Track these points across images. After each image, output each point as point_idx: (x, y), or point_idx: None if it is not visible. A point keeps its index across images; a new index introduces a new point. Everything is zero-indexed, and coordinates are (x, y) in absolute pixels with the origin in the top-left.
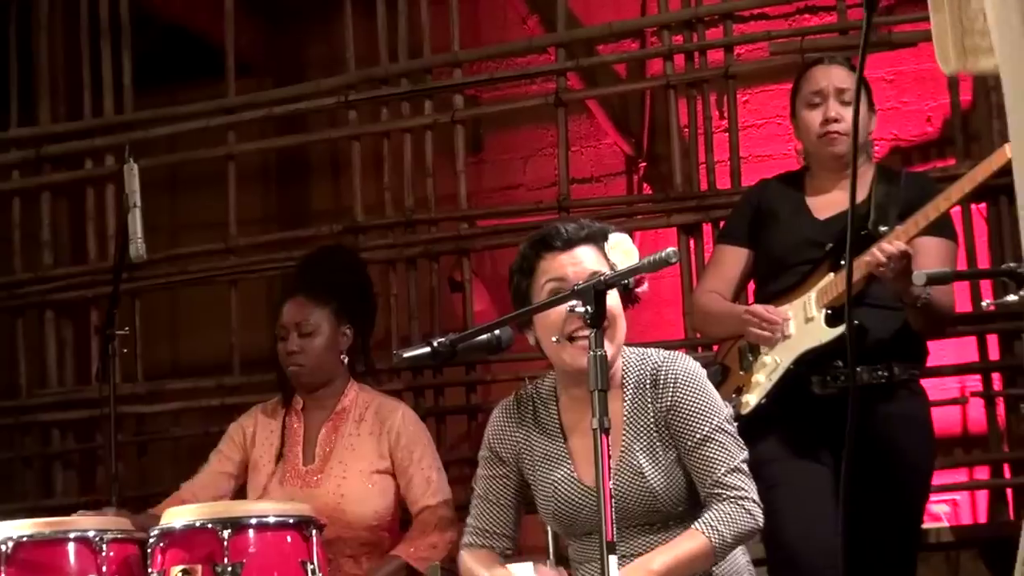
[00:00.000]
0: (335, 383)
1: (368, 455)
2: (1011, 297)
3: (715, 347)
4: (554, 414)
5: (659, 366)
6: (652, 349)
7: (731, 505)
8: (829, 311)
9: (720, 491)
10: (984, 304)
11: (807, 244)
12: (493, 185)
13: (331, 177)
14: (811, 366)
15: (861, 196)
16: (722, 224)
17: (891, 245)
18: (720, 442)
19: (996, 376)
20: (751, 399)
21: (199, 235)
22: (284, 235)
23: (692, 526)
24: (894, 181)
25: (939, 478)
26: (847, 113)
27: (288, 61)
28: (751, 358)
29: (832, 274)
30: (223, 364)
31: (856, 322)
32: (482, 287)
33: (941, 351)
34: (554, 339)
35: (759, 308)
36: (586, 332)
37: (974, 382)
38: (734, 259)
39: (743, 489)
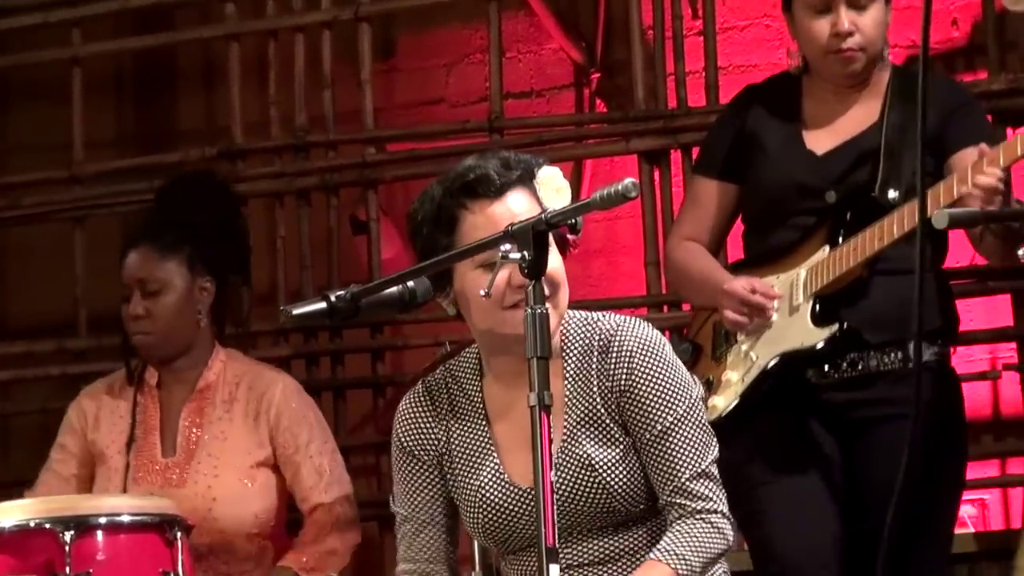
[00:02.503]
0: (195, 351)
1: (243, 444)
2: None
3: (685, 305)
4: (477, 398)
5: (610, 336)
6: (601, 313)
7: (697, 522)
8: (818, 304)
9: (683, 501)
10: (1021, 253)
11: (800, 190)
12: (407, 99)
13: (203, 88)
14: (800, 358)
15: (871, 119)
16: (697, 150)
17: (987, 176)
18: (685, 437)
19: None
20: (719, 402)
21: (35, 159)
22: (143, 160)
23: (651, 555)
24: (913, 95)
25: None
26: (865, 20)
27: None
28: (725, 344)
29: (827, 247)
30: (65, 323)
31: (846, 324)
32: (392, 228)
33: (968, 313)
34: (482, 293)
35: (740, 286)
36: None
37: (1008, 352)
38: (714, 196)
39: (711, 500)
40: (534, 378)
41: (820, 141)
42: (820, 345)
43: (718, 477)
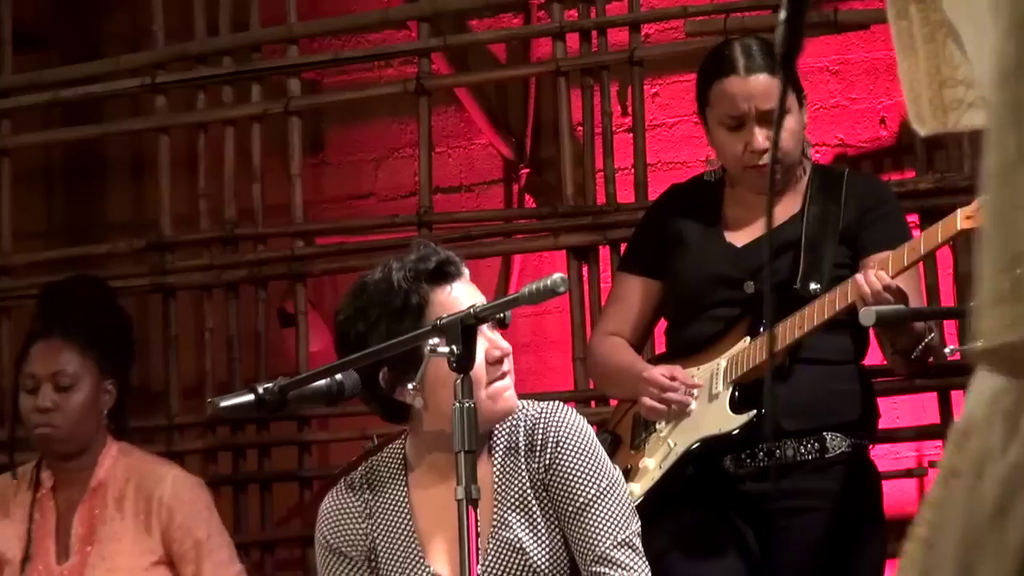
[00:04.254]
0: (91, 450)
1: (137, 545)
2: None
3: (613, 401)
4: (402, 492)
5: (535, 420)
6: (526, 400)
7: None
8: (737, 391)
9: (605, 570)
10: (948, 351)
11: (719, 281)
12: (336, 193)
13: (132, 180)
14: (717, 446)
15: (792, 212)
16: (623, 247)
17: (880, 284)
18: (606, 508)
19: None
20: (636, 488)
21: None
22: (71, 252)
23: None
24: (834, 190)
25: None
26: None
27: (81, 32)
28: (644, 433)
29: (748, 338)
30: None
31: (761, 410)
32: (320, 321)
33: (894, 410)
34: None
35: (659, 374)
36: (504, 368)
37: (934, 449)
38: (638, 292)
39: (633, 569)
40: (461, 472)
41: (740, 236)
42: (736, 431)
43: (641, 549)
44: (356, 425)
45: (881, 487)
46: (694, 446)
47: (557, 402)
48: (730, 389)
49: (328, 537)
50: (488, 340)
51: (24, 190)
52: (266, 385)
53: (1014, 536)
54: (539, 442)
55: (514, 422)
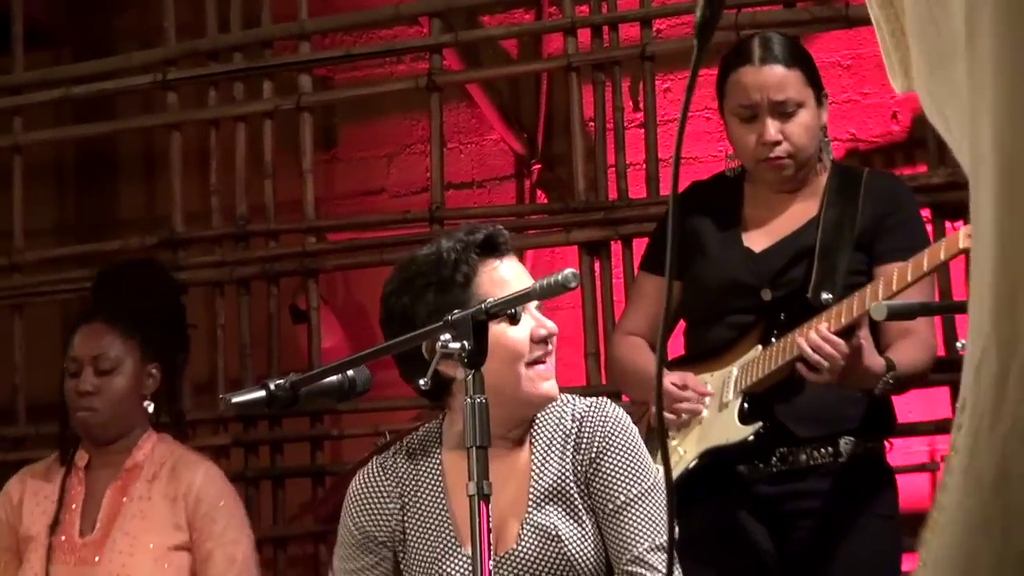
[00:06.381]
0: (131, 434)
1: (161, 525)
2: None
3: (624, 397)
4: (436, 468)
5: (583, 414)
6: (572, 395)
7: None
8: (747, 401)
9: (639, 570)
10: (959, 345)
11: (736, 288)
12: (348, 189)
13: (144, 176)
14: (731, 453)
15: (809, 216)
16: (641, 244)
17: (819, 337)
18: (645, 511)
19: None
20: None
21: None
22: (83, 248)
23: None
24: (851, 193)
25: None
26: (792, 128)
27: (93, 29)
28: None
29: (760, 346)
30: (4, 411)
31: (769, 423)
32: (332, 317)
33: (906, 405)
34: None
35: (670, 383)
36: (548, 348)
37: (947, 444)
38: (659, 292)
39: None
40: (473, 467)
41: (758, 240)
42: (746, 440)
43: (676, 555)
44: (369, 421)
45: (896, 487)
46: (699, 457)
47: (605, 399)
48: (740, 399)
49: (358, 518)
50: (534, 318)
51: (36, 187)
52: (278, 381)
53: (1016, 502)
54: (586, 437)
55: (560, 414)
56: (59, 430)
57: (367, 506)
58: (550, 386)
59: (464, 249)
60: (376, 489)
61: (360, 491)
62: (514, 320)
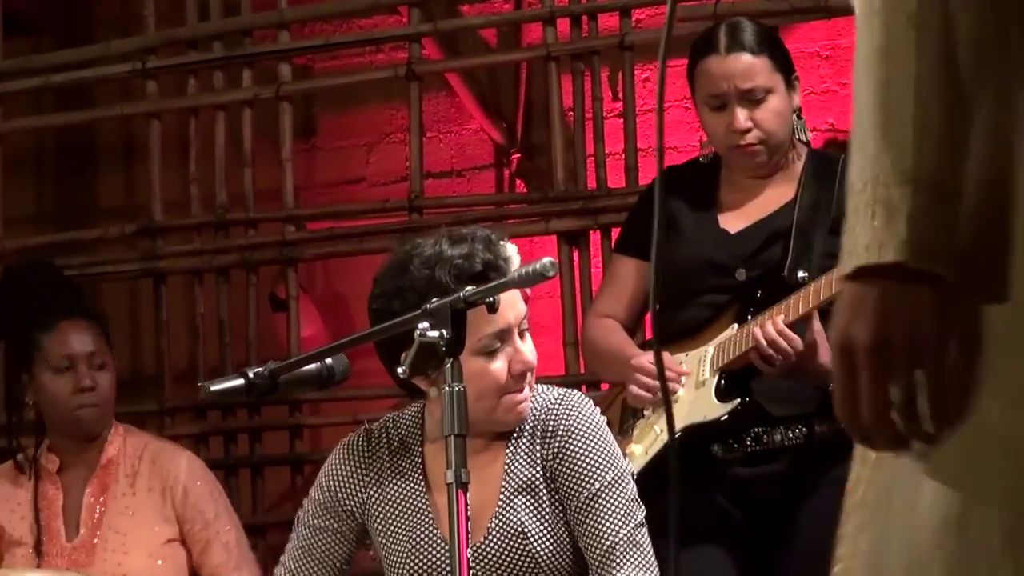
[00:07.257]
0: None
1: (151, 519)
2: None
3: (604, 385)
4: (417, 460)
5: (551, 407)
6: (546, 385)
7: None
8: (723, 378)
9: (615, 557)
10: None
11: (711, 268)
12: (328, 178)
13: (123, 165)
14: (705, 433)
15: (785, 199)
16: (616, 230)
17: (774, 330)
18: (613, 501)
19: None
20: None
21: None
22: (62, 237)
23: None
24: (829, 178)
25: None
26: (762, 114)
27: (73, 18)
28: (633, 419)
29: (736, 325)
30: None
31: (748, 399)
32: (311, 306)
33: None
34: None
35: (647, 360)
36: (526, 381)
37: None
38: (632, 274)
39: (639, 562)
40: (451, 456)
41: (733, 222)
42: (722, 419)
43: (648, 540)
44: (347, 409)
45: None
46: (678, 433)
47: (574, 391)
48: (716, 377)
49: (331, 483)
50: (516, 351)
51: (15, 175)
52: (256, 369)
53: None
54: (551, 429)
55: (533, 404)
56: (8, 437)
57: (341, 473)
58: (521, 409)
59: (457, 278)
60: (357, 460)
61: (339, 457)
62: (492, 308)
